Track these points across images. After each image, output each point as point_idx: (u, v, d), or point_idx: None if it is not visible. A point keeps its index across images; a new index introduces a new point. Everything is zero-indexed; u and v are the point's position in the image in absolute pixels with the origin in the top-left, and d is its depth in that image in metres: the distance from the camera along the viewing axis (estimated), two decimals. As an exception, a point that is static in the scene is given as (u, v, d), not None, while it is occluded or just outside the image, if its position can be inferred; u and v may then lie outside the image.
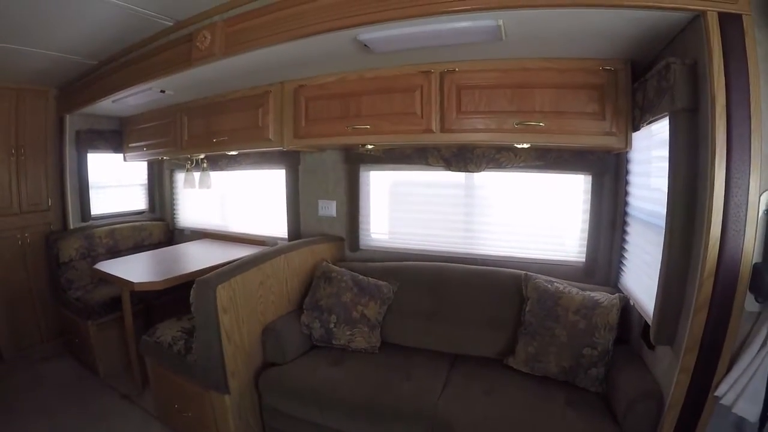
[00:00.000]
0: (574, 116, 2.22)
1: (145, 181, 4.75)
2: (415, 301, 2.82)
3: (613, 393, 2.09)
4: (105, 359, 3.53)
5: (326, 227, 3.53)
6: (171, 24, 2.71)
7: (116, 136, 4.32)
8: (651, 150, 2.20)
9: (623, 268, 2.63)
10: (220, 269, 2.48)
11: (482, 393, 2.23)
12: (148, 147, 4.00)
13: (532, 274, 2.62)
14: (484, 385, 2.29)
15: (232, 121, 3.20)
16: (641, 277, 2.25)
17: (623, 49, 2.06)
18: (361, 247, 3.41)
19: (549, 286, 2.48)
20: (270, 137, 3.02)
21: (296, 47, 2.27)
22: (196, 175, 3.85)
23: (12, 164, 3.79)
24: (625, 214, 2.61)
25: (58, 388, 3.38)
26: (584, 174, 2.76)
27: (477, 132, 2.42)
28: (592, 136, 2.22)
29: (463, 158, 2.96)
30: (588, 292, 2.39)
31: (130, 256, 3.71)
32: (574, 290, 2.42)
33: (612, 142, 2.21)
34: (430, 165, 3.08)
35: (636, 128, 2.15)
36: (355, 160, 3.34)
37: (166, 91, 3.19)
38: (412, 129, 2.57)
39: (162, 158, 4.14)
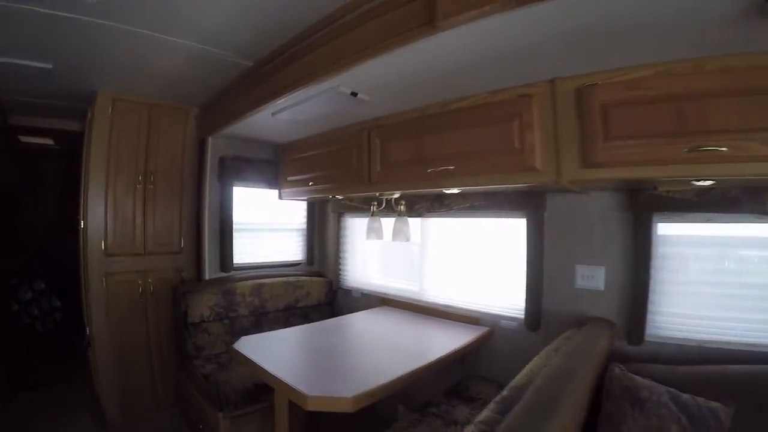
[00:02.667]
0: None
1: (303, 226, 3.86)
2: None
3: None
4: (237, 461, 2.54)
5: (586, 305, 2.27)
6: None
7: (271, 167, 3.48)
8: None
9: None
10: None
11: None
12: (316, 180, 3.03)
13: None
14: None
15: (464, 142, 2.10)
16: None
17: None
18: (647, 339, 2.11)
19: None
20: (537, 165, 1.89)
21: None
22: (386, 222, 2.81)
23: (138, 193, 3.06)
24: None
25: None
26: None
27: None
28: None
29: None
30: None
31: (283, 331, 2.62)
32: None
33: None
34: (764, 213, 1.82)
35: None
36: (645, 206, 2.08)
37: (359, 95, 2.16)
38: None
39: (332, 197, 3.16)
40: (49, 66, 2.44)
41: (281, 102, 2.35)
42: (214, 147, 3.18)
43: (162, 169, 3.14)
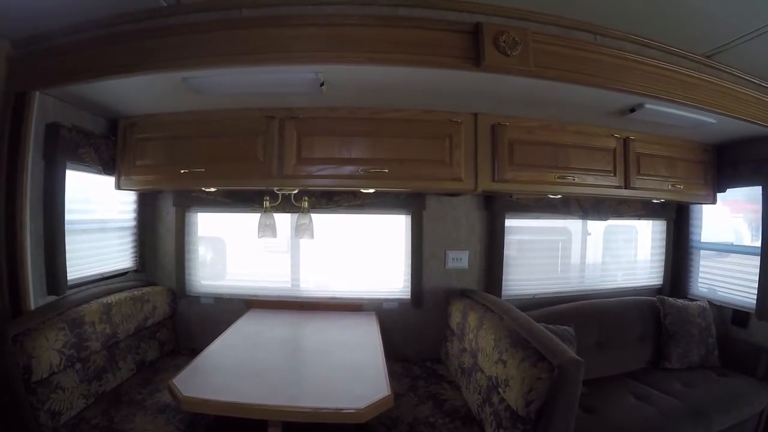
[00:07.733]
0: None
1: (131, 224, 2.97)
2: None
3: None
4: None
5: (455, 280, 2.98)
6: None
7: (108, 146, 2.60)
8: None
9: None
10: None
11: None
12: (196, 170, 2.45)
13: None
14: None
15: (399, 149, 2.39)
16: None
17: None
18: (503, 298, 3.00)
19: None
20: (462, 177, 2.44)
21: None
22: (286, 218, 2.85)
23: None
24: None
25: None
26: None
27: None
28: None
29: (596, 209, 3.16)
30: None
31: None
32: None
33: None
34: (569, 214, 3.12)
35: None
36: (501, 207, 2.97)
37: (324, 86, 2.05)
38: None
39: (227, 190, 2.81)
40: None
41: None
42: (41, 108, 2.16)
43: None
